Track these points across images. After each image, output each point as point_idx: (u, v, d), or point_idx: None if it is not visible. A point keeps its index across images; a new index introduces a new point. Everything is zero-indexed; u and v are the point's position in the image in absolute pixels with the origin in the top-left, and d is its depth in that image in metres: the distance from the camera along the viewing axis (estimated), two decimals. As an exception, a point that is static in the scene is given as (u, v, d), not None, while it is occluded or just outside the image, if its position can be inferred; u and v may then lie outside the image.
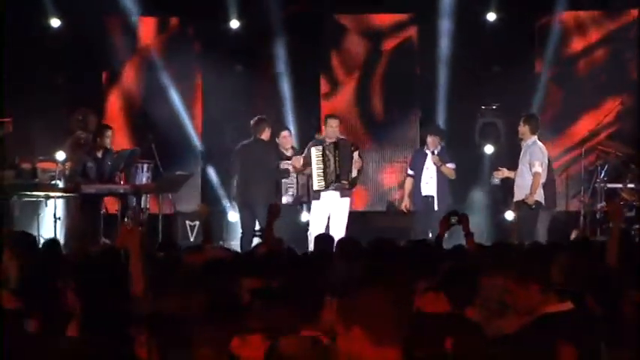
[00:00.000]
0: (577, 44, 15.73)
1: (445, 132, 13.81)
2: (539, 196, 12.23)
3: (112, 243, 11.31)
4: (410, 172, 13.31)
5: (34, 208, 13.10)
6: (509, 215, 12.93)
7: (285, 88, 15.70)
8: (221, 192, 15.73)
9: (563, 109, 15.62)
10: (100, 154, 12.93)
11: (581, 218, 13.67)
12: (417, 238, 11.28)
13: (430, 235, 11.83)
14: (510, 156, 13.51)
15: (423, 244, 7.34)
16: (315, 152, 12.43)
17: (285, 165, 12.96)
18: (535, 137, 12.31)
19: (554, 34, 15.44)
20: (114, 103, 16.31)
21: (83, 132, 12.75)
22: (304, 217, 13.50)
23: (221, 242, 14.02)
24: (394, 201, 15.54)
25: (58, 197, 12.99)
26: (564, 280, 4.77)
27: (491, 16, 15.52)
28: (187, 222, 14.52)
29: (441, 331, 3.59)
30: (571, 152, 15.26)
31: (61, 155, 13.05)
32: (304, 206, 13.38)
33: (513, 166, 12.52)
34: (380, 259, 6.62)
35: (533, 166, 12.14)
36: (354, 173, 12.56)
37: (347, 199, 12.60)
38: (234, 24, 15.94)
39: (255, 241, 12.21)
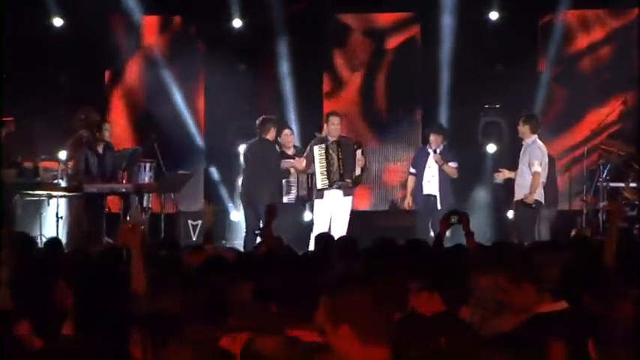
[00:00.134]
0: (580, 43, 15.71)
1: (448, 131, 13.78)
2: (539, 195, 12.23)
3: (115, 242, 11.31)
4: (412, 170, 13.29)
5: (37, 207, 13.11)
6: (511, 214, 12.94)
7: (288, 87, 15.70)
8: (223, 191, 15.74)
9: (566, 108, 15.60)
10: (100, 149, 12.92)
11: (583, 217, 13.65)
12: (419, 237, 11.30)
13: (432, 234, 11.81)
14: (513, 155, 13.47)
15: (421, 243, 7.32)
16: (317, 151, 12.41)
17: (286, 164, 12.95)
18: (535, 136, 12.31)
19: (556, 32, 15.42)
20: (116, 102, 16.34)
21: (85, 131, 12.74)
22: (307, 216, 13.51)
23: (223, 242, 14.06)
24: (397, 200, 15.53)
25: (61, 196, 12.99)
26: (560, 279, 4.77)
27: (493, 15, 15.51)
28: (190, 221, 14.51)
29: (433, 331, 3.59)
30: (574, 151, 15.24)
31: (63, 154, 13.06)
32: (307, 205, 13.38)
33: (516, 165, 12.51)
34: (377, 258, 6.62)
35: (533, 165, 12.15)
36: (358, 172, 12.55)
37: (349, 198, 12.60)
38: (237, 23, 15.95)
39: (259, 240, 12.20)
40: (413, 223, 13.14)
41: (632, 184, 13.38)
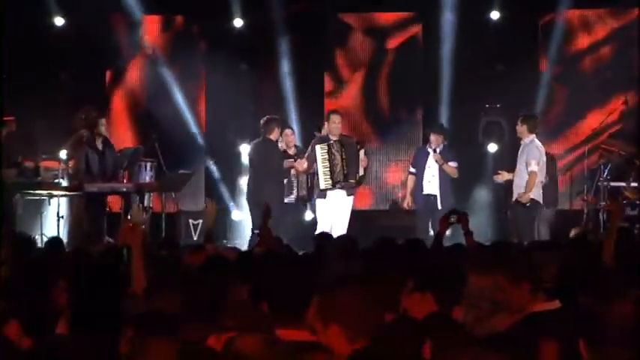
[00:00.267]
0: (581, 42, 15.70)
1: (448, 130, 13.79)
2: (537, 194, 12.27)
3: (115, 242, 11.30)
4: (412, 170, 13.27)
5: (37, 207, 13.11)
6: (509, 214, 12.97)
7: (289, 86, 15.69)
8: (224, 190, 15.74)
9: (567, 107, 15.60)
10: (99, 145, 12.90)
11: (584, 217, 13.64)
12: (419, 236, 11.30)
13: (432, 233, 11.80)
14: (513, 155, 13.42)
15: (417, 243, 7.32)
16: (320, 150, 12.38)
17: (287, 164, 12.95)
18: (533, 136, 12.35)
19: (557, 32, 15.41)
20: (118, 101, 16.35)
21: (85, 130, 12.74)
22: (308, 215, 13.51)
23: (224, 241, 14.06)
24: (398, 199, 15.53)
25: (61, 196, 13.00)
26: (556, 278, 4.76)
27: (494, 15, 15.50)
28: (191, 221, 14.51)
29: (422, 332, 3.60)
30: (575, 151, 15.24)
31: (64, 154, 13.07)
32: (307, 205, 13.38)
33: (516, 165, 12.54)
34: (376, 258, 6.62)
35: (530, 164, 12.18)
36: (361, 172, 12.54)
37: (351, 198, 12.60)
38: (238, 23, 15.95)
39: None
40: (413, 222, 13.14)
41: (633, 184, 13.36)
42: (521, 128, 12.40)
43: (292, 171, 12.89)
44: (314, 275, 5.15)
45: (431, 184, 12.94)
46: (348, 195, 12.53)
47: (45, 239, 12.53)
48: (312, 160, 12.47)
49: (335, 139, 12.42)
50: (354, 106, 16.12)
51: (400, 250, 7.12)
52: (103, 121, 13.04)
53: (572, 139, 15.41)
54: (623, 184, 13.51)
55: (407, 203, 13.23)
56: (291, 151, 13.24)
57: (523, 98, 15.03)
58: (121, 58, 16.23)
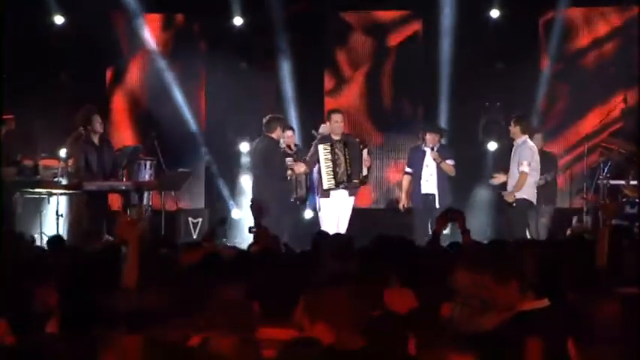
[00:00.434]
0: (581, 40, 15.68)
1: (448, 129, 13.79)
2: (530, 194, 12.37)
3: (115, 239, 11.30)
4: (408, 170, 13.21)
5: (37, 205, 13.12)
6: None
7: (289, 85, 15.69)
8: (224, 189, 15.76)
9: (567, 106, 15.59)
10: (96, 141, 12.90)
11: (583, 215, 13.63)
12: (417, 235, 11.31)
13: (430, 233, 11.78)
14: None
15: (407, 241, 7.33)
16: (323, 150, 12.34)
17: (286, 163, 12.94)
18: (525, 137, 12.44)
19: (557, 30, 15.39)
20: (118, 100, 16.36)
21: (83, 128, 12.75)
22: (307, 214, 13.50)
23: (224, 239, 14.06)
24: (394, 200, 15.49)
25: (61, 194, 13.01)
26: (539, 276, 4.76)
27: (494, 13, 15.49)
28: (190, 219, 14.53)
29: (404, 328, 3.62)
30: (576, 149, 15.22)
31: (64, 152, 13.08)
32: (307, 204, 13.37)
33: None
34: (374, 257, 6.61)
35: (521, 165, 12.28)
36: (365, 172, 12.52)
37: (352, 198, 12.60)
38: (238, 21, 15.95)
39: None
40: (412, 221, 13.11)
41: (633, 182, 13.35)
42: (515, 129, 12.48)
43: (289, 171, 12.81)
44: (307, 274, 5.17)
45: (429, 183, 12.90)
46: (350, 195, 12.52)
47: (44, 238, 12.58)
48: (315, 160, 12.44)
49: (337, 138, 12.40)
50: (355, 105, 16.12)
51: (394, 248, 7.11)
52: (98, 117, 13.00)
53: (573, 137, 15.39)
54: (622, 182, 13.50)
55: (403, 204, 13.16)
56: (290, 151, 13.21)
57: (523, 97, 15.03)
58: (121, 56, 16.24)
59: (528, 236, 12.78)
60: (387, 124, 16.15)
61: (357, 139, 12.89)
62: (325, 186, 12.35)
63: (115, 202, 13.77)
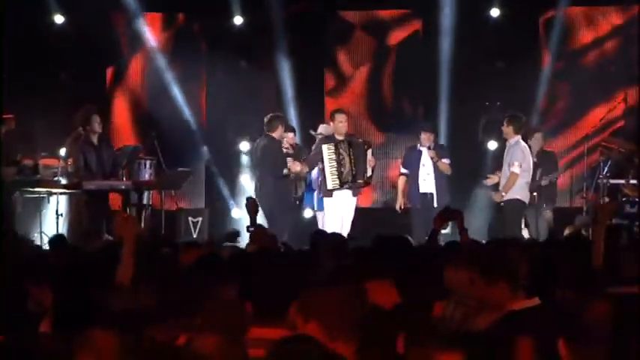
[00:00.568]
0: (582, 39, 15.67)
1: (449, 128, 13.80)
2: (522, 195, 12.45)
3: (115, 239, 11.30)
4: (403, 170, 13.17)
5: (37, 205, 13.11)
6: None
7: (289, 84, 15.69)
8: (224, 188, 15.77)
9: (567, 105, 15.58)
10: (95, 141, 12.90)
11: (583, 214, 13.62)
12: (415, 235, 11.31)
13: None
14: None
15: (404, 241, 7.32)
16: (327, 150, 12.29)
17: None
18: (518, 137, 12.49)
19: (558, 29, 15.38)
20: (118, 99, 16.36)
21: (82, 128, 12.76)
22: (307, 213, 13.50)
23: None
24: (391, 200, 15.45)
25: (60, 194, 13.02)
26: (535, 276, 4.77)
27: (494, 12, 15.48)
28: (190, 218, 14.53)
29: (393, 326, 3.62)
30: (576, 148, 15.20)
31: (64, 152, 13.10)
32: (304, 203, 13.37)
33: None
34: (367, 256, 6.61)
35: (512, 165, 12.36)
36: (369, 172, 12.50)
37: (356, 198, 12.58)
38: (238, 20, 15.96)
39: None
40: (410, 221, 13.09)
41: (633, 181, 13.34)
42: (507, 129, 12.52)
43: (284, 170, 12.75)
44: (303, 273, 5.17)
45: (426, 183, 12.88)
46: (354, 195, 12.50)
47: (44, 237, 12.59)
48: (317, 159, 12.40)
49: (341, 138, 12.36)
50: (355, 105, 16.10)
51: (391, 248, 7.10)
52: (97, 117, 13.02)
53: (573, 136, 15.37)
54: (622, 181, 13.49)
55: (400, 205, 13.14)
56: (291, 151, 13.16)
57: (523, 96, 15.02)
58: (122, 56, 16.25)
59: (527, 235, 12.79)
60: (387, 124, 16.14)
61: (361, 140, 12.88)
62: (330, 186, 12.31)
63: (115, 201, 13.76)
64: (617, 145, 13.98)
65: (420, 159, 12.90)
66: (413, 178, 12.94)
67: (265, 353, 3.37)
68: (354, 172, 12.29)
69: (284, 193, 12.86)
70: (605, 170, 13.55)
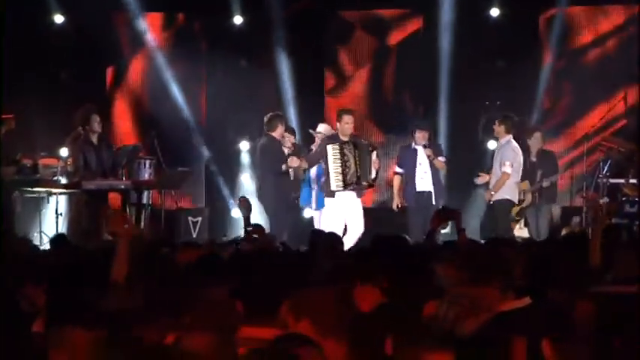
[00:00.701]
0: (582, 38, 15.65)
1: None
2: (512, 195, 12.46)
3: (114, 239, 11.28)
4: (398, 170, 13.12)
5: (36, 204, 13.12)
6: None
7: (289, 84, 15.69)
8: (224, 188, 15.77)
9: (568, 104, 15.56)
10: (95, 140, 12.90)
11: (583, 214, 13.62)
12: (412, 234, 11.29)
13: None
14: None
15: (401, 241, 7.32)
16: (331, 150, 12.22)
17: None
18: (509, 137, 12.54)
19: (558, 28, 15.37)
20: (118, 99, 16.37)
21: (82, 128, 12.76)
22: (307, 213, 13.49)
23: (224, 238, 14.06)
24: (387, 199, 15.45)
25: (60, 193, 13.03)
26: (528, 276, 4.76)
27: (494, 12, 15.48)
28: (190, 218, 14.53)
29: (382, 326, 3.63)
30: (577, 148, 15.19)
31: (64, 151, 13.10)
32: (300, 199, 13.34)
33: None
34: (364, 256, 6.61)
35: (504, 165, 12.42)
36: (373, 174, 12.46)
37: (360, 199, 12.54)
38: (238, 20, 15.97)
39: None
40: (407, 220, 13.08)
41: (632, 181, 13.34)
42: (499, 128, 12.57)
43: (283, 165, 12.73)
44: (299, 273, 5.17)
45: (424, 181, 12.85)
46: (358, 197, 12.46)
47: (44, 237, 12.61)
48: (318, 158, 12.35)
49: (345, 139, 12.32)
50: (355, 104, 16.06)
51: (387, 247, 7.10)
52: (96, 117, 13.02)
53: (574, 135, 15.36)
54: (622, 180, 13.49)
55: (396, 204, 13.12)
56: (291, 149, 13.15)
57: (524, 95, 15.02)
58: (122, 55, 16.26)
59: (527, 235, 12.80)
60: (387, 124, 16.13)
61: (366, 141, 12.84)
62: (333, 187, 12.25)
63: (115, 201, 13.75)
64: (617, 144, 13.98)
65: (415, 158, 12.84)
66: (409, 177, 12.89)
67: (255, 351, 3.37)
68: (358, 174, 12.23)
69: (284, 192, 12.85)
70: (605, 170, 13.55)
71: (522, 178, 13.02)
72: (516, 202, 12.61)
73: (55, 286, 4.59)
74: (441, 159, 12.94)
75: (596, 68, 15.51)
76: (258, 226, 8.44)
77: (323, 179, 12.41)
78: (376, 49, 16.25)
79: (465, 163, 13.77)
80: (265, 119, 12.81)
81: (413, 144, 12.96)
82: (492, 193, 12.52)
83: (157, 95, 15.93)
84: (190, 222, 14.49)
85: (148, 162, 13.47)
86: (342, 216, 12.32)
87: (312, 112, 15.22)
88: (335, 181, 12.21)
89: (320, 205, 12.58)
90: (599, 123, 14.64)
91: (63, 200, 13.08)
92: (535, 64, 15.39)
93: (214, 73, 16.00)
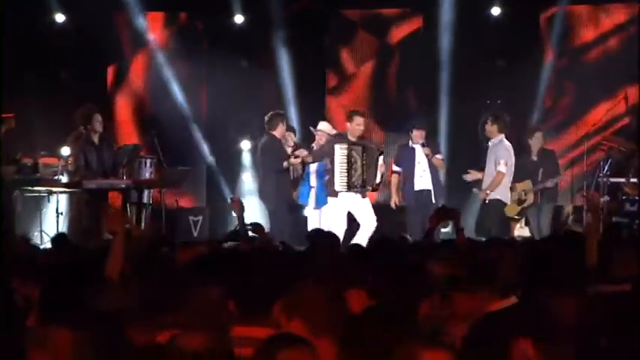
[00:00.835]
0: (583, 37, 15.64)
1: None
2: (504, 195, 12.48)
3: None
4: (396, 168, 13.13)
5: (37, 204, 13.15)
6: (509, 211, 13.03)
7: (290, 83, 15.69)
8: (225, 187, 15.78)
9: (568, 104, 15.55)
10: (96, 140, 12.90)
11: (583, 213, 13.61)
12: (410, 233, 11.29)
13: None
14: (514, 151, 13.44)
15: (399, 240, 7.34)
16: (339, 150, 12.21)
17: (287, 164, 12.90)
18: (502, 136, 12.57)
19: (559, 27, 15.36)
20: (119, 98, 16.38)
21: (83, 127, 12.77)
22: (307, 212, 13.49)
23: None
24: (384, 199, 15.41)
25: (61, 192, 13.04)
26: (523, 274, 4.76)
27: (495, 11, 15.47)
28: (191, 217, 14.53)
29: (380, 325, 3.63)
30: (577, 147, 15.17)
31: (65, 151, 13.11)
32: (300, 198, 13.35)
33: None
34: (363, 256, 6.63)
35: (499, 164, 12.44)
36: (378, 179, 12.45)
37: (367, 198, 12.53)
38: (239, 19, 15.97)
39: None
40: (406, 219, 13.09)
41: (633, 180, 13.33)
42: (492, 128, 12.58)
43: (285, 163, 12.72)
44: (295, 272, 5.18)
45: (423, 179, 12.85)
46: (363, 197, 12.45)
47: (45, 236, 12.62)
48: (322, 154, 12.31)
49: (353, 140, 12.30)
50: (356, 103, 16.07)
51: (385, 247, 7.11)
52: (98, 117, 13.02)
53: (575, 135, 15.34)
54: (622, 179, 13.48)
55: (394, 202, 13.12)
56: (292, 149, 13.16)
57: (524, 94, 15.00)
58: (123, 54, 16.26)
59: (528, 234, 12.80)
60: (389, 123, 16.13)
61: (375, 145, 12.82)
62: (337, 187, 12.24)
63: (115, 200, 13.75)
64: (618, 143, 13.96)
65: (413, 156, 12.85)
66: (407, 176, 12.90)
67: (249, 351, 3.38)
68: (364, 177, 12.24)
69: (285, 192, 12.86)
70: (606, 169, 13.54)
71: (523, 178, 13.04)
72: (508, 202, 12.61)
73: (50, 283, 4.60)
74: (439, 156, 12.95)
75: (597, 67, 15.49)
76: (257, 225, 8.43)
77: (325, 178, 12.41)
78: (377, 48, 16.25)
79: (466, 162, 13.74)
80: (266, 118, 12.82)
81: (410, 143, 12.96)
82: (488, 192, 12.51)
83: (157, 95, 15.93)
84: (191, 221, 14.48)
85: (148, 161, 13.47)
86: (345, 215, 12.32)
87: (313, 111, 15.22)
88: (340, 181, 12.21)
89: (319, 204, 12.57)
90: (600, 122, 14.62)
91: (63, 199, 13.10)
92: (536, 64, 15.38)
93: (215, 72, 16.00)
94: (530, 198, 13.17)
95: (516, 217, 13.21)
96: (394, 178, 13.15)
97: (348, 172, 12.20)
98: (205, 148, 16.00)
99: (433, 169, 12.85)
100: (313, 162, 12.56)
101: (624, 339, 3.38)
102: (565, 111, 15.55)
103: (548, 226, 13.35)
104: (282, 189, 12.75)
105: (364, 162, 12.23)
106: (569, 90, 15.57)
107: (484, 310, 4.23)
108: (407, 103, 16.14)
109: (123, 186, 13.15)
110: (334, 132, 12.77)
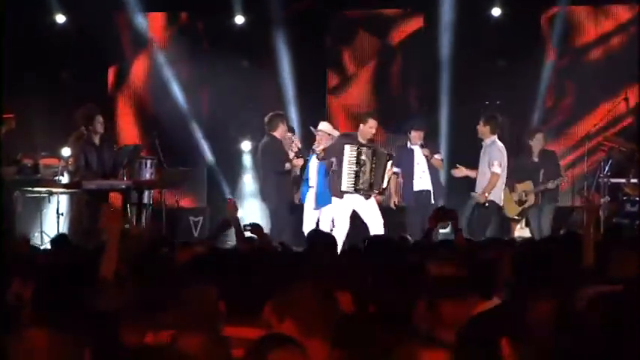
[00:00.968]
0: (584, 37, 15.63)
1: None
2: (497, 197, 12.49)
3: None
4: (395, 169, 13.13)
5: (37, 204, 13.16)
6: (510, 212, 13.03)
7: (290, 84, 15.69)
8: (225, 187, 15.78)
9: (568, 104, 15.55)
10: (97, 141, 12.90)
11: (583, 213, 13.59)
12: (410, 233, 11.29)
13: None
14: (514, 151, 13.46)
15: (398, 240, 7.34)
16: (349, 151, 12.17)
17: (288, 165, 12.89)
18: (494, 137, 12.54)
19: (559, 27, 15.36)
20: (119, 99, 16.38)
21: (84, 127, 12.78)
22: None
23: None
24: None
25: (61, 193, 13.05)
26: (515, 275, 4.76)
27: (495, 11, 15.47)
28: (191, 218, 14.54)
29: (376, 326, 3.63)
30: (578, 148, 15.16)
31: (66, 151, 13.12)
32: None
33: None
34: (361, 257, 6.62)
35: (493, 165, 12.39)
36: (385, 183, 12.44)
37: (374, 199, 12.52)
38: (239, 20, 15.98)
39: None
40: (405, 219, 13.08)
41: (633, 180, 13.33)
42: (484, 129, 12.54)
43: (287, 165, 12.72)
44: (292, 272, 5.18)
45: (422, 180, 12.85)
46: (366, 199, 12.42)
47: (45, 236, 12.63)
48: (332, 154, 12.26)
49: (364, 142, 12.28)
50: (357, 103, 16.10)
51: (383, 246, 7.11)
52: (99, 117, 13.01)
53: (575, 135, 15.34)
54: (623, 180, 13.47)
55: (393, 202, 13.11)
56: (294, 153, 13.12)
57: (525, 95, 14.99)
58: (123, 55, 16.27)
59: (529, 234, 12.79)
60: (389, 123, 16.11)
61: (385, 150, 12.79)
62: (343, 187, 12.19)
63: (116, 200, 13.72)
64: (618, 144, 13.95)
65: (412, 157, 12.84)
66: (407, 177, 12.89)
67: (244, 353, 3.38)
68: (371, 181, 12.20)
69: (286, 193, 12.85)
70: (606, 169, 13.53)
71: (524, 179, 13.03)
72: (501, 204, 12.59)
73: (43, 283, 4.60)
74: (438, 156, 12.95)
75: (598, 67, 15.49)
76: (256, 226, 8.43)
77: (329, 178, 12.35)
78: (378, 49, 16.25)
79: (465, 163, 13.71)
80: (266, 119, 12.81)
81: (408, 144, 12.96)
82: (486, 195, 12.46)
83: (158, 95, 15.94)
84: (192, 221, 14.51)
85: (149, 162, 13.46)
86: (348, 215, 12.30)
87: (313, 111, 15.21)
88: (347, 182, 12.17)
89: (320, 204, 12.55)
90: (601, 122, 14.60)
91: (64, 200, 13.10)
92: (536, 64, 15.37)
93: (216, 72, 15.99)
94: (531, 199, 13.16)
95: (517, 217, 13.20)
96: (393, 179, 13.14)
97: (356, 174, 12.16)
98: (206, 149, 16.00)
99: (432, 169, 12.85)
100: (322, 160, 12.54)
101: (612, 338, 3.37)
102: (566, 111, 15.54)
103: (549, 227, 13.32)
104: (283, 190, 12.75)
105: (373, 165, 12.19)
106: (570, 90, 15.57)
107: (471, 314, 4.22)
108: (408, 103, 16.14)
109: (123, 186, 13.13)
110: (335, 132, 12.75)
